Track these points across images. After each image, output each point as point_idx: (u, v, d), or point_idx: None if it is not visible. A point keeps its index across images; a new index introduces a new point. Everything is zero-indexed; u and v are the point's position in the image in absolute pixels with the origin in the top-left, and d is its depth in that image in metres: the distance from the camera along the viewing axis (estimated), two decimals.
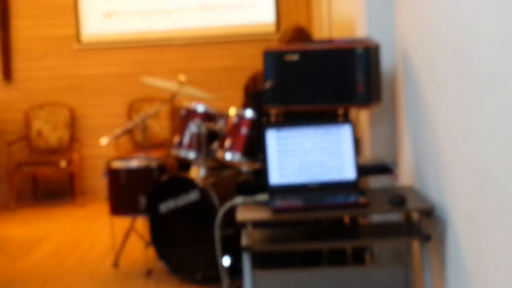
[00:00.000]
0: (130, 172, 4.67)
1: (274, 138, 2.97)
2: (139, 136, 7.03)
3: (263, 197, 2.93)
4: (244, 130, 4.16)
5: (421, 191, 2.94)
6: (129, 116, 7.00)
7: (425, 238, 2.74)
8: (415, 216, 2.89)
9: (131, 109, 7.06)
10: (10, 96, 7.04)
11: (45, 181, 7.12)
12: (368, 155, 3.69)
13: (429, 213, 2.70)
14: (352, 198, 2.82)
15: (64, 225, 6.06)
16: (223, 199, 4.09)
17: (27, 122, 7.00)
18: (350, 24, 4.38)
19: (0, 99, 7.00)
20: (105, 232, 5.45)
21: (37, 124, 6.99)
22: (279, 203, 2.80)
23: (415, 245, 3.06)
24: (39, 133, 6.99)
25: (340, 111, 3.26)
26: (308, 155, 2.95)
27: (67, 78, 7.07)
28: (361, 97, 3.05)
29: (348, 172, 2.94)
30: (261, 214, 2.78)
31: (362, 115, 3.90)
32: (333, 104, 3.12)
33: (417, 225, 2.84)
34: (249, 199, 2.95)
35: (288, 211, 2.77)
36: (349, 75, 3.05)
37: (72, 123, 7.04)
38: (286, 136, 2.97)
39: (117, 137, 5.31)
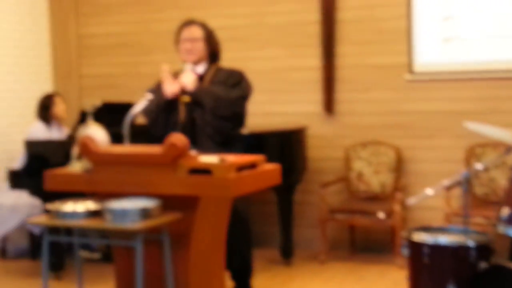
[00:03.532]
0: (436, 249, 3.46)
1: None
2: (478, 189, 5.72)
3: None
4: None
5: None
6: (468, 163, 5.72)
7: None
8: None
9: (471, 155, 5.77)
10: (331, 132, 6.23)
11: (363, 232, 6.17)
12: None
13: None
14: None
15: None
16: None
17: (347, 162, 6.13)
18: None
19: (321, 134, 6.24)
20: None
21: (358, 165, 6.07)
22: None
23: None
24: (360, 176, 6.06)
25: None
26: None
27: (395, 114, 6.04)
28: None
29: None
30: None
31: None
32: None
33: None
34: None
35: None
36: None
37: (398, 167, 5.98)
38: None
39: (445, 189, 4.22)
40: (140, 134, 4.60)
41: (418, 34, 5.93)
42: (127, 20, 6.97)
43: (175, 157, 3.62)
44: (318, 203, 5.84)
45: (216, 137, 4.29)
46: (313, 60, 6.24)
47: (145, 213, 3.46)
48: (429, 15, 5.91)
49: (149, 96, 4.26)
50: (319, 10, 6.22)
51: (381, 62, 6.06)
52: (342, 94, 6.18)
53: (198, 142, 4.25)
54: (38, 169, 4.20)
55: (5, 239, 5.94)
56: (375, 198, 5.99)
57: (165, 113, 4.35)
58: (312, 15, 6.25)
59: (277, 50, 6.39)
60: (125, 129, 4.05)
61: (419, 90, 5.97)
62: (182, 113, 4.33)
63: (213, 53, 4.49)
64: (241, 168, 3.74)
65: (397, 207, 5.58)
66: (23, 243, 5.86)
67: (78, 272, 3.89)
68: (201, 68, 4.45)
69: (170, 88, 4.30)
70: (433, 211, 5.77)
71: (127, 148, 3.85)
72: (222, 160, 3.65)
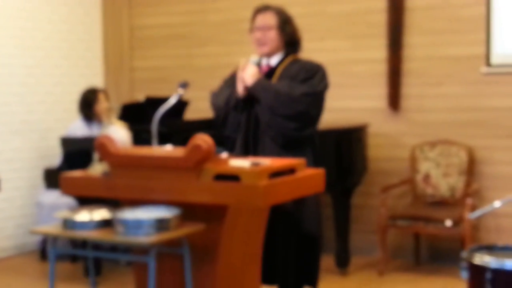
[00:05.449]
0: (501, 275, 2.93)
1: None
2: None
3: None
4: None
5: None
6: None
7: None
8: None
9: None
10: (396, 129, 5.69)
11: (428, 240, 5.60)
12: None
13: None
14: None
15: None
16: None
17: (413, 163, 5.57)
18: None
19: (384, 132, 5.71)
20: None
21: (425, 167, 5.51)
22: None
23: None
24: (426, 178, 5.50)
25: None
26: None
27: (469, 110, 5.44)
28: None
29: None
30: None
31: None
32: None
33: None
34: None
35: None
36: None
37: (470, 169, 5.39)
38: None
39: None
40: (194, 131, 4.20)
41: (497, 22, 5.32)
42: (182, 10, 6.60)
43: (199, 160, 3.23)
44: (378, 208, 5.30)
45: (278, 139, 3.76)
46: (378, 51, 5.72)
47: (160, 225, 3.08)
48: (510, 0, 5.29)
49: (181, 91, 3.87)
50: None
51: (455, 53, 5.48)
52: (410, 88, 5.63)
53: (261, 145, 3.79)
54: (74, 167, 3.92)
55: (45, 240, 5.65)
56: (443, 203, 5.42)
57: (235, 112, 3.87)
58: (378, 2, 5.72)
59: (338, 41, 5.89)
60: (154, 127, 3.68)
61: (497, 84, 5.36)
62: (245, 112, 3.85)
63: (290, 42, 3.95)
64: (277, 173, 3.31)
65: (467, 215, 5.00)
66: (64, 245, 5.56)
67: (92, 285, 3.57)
68: (274, 60, 3.93)
69: (242, 87, 3.82)
70: (510, 218, 5.18)
71: (147, 150, 3.48)
72: (253, 165, 3.23)
